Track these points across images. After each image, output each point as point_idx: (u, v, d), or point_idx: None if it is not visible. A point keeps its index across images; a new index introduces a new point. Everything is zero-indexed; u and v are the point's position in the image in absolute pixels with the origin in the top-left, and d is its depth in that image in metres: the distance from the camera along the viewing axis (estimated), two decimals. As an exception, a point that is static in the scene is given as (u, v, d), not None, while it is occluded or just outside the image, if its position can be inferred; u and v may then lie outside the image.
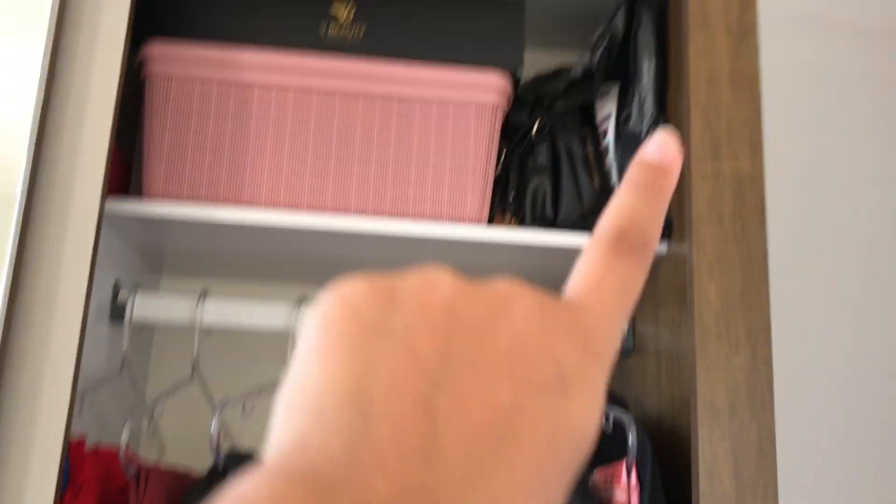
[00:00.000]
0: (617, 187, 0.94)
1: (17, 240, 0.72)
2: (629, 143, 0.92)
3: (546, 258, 0.96)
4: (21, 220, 0.72)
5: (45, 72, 0.75)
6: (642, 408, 0.95)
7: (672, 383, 0.85)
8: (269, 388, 0.92)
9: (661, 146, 0.28)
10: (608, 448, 0.85)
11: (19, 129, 0.73)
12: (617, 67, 0.95)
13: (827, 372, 1.27)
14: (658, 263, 0.92)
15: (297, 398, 0.22)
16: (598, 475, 0.85)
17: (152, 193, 0.88)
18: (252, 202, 0.88)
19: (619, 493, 0.80)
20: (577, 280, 0.25)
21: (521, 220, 0.99)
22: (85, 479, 0.80)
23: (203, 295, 0.93)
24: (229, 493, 0.19)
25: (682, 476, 0.78)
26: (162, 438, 1.06)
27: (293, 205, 0.89)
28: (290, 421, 0.21)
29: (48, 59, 0.76)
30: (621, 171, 0.93)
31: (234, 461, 0.81)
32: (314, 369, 0.22)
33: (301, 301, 0.94)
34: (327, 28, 0.92)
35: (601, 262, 0.25)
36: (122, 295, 0.95)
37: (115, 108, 0.78)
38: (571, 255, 0.91)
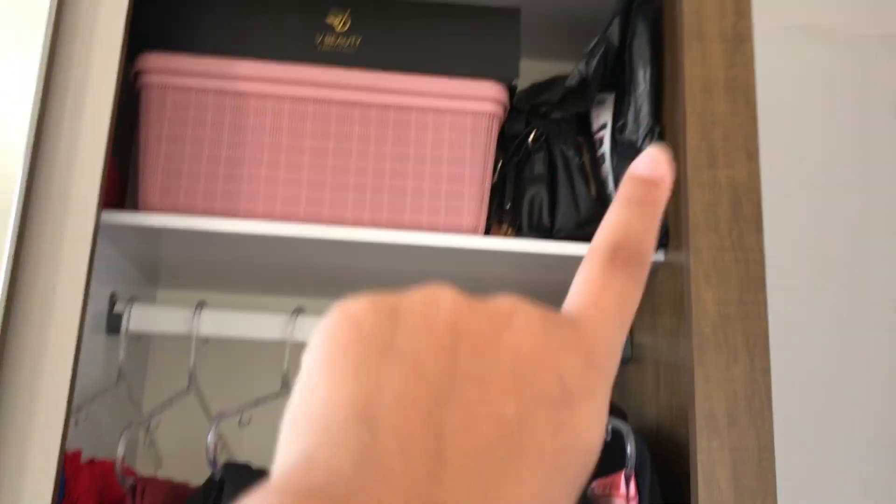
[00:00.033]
0: (614, 196, 0.94)
1: (13, 252, 0.71)
2: (625, 152, 0.92)
3: (543, 268, 0.96)
4: (17, 232, 0.72)
5: (41, 83, 0.75)
6: (641, 417, 0.95)
7: (670, 392, 0.85)
8: (265, 400, 0.92)
9: (652, 160, 0.28)
10: (607, 458, 0.84)
11: (15, 140, 0.73)
12: (612, 76, 0.95)
13: (825, 380, 1.27)
14: (655, 272, 0.92)
15: (303, 415, 0.22)
16: (596, 485, 0.84)
17: (148, 205, 0.88)
18: (248, 213, 0.88)
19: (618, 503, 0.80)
20: (576, 295, 0.26)
21: (517, 230, 0.99)
22: (81, 493, 0.79)
23: (199, 306, 0.93)
24: None
25: (681, 485, 0.78)
26: (158, 450, 1.05)
27: (289, 215, 0.89)
28: (296, 438, 0.22)
29: (44, 70, 0.76)
30: (617, 179, 0.93)
31: (231, 473, 0.81)
32: (320, 386, 0.22)
33: (298, 312, 0.93)
34: (323, 38, 0.92)
35: (599, 276, 0.26)
36: (118, 306, 0.94)
37: (111, 119, 0.77)
38: (569, 264, 0.91)
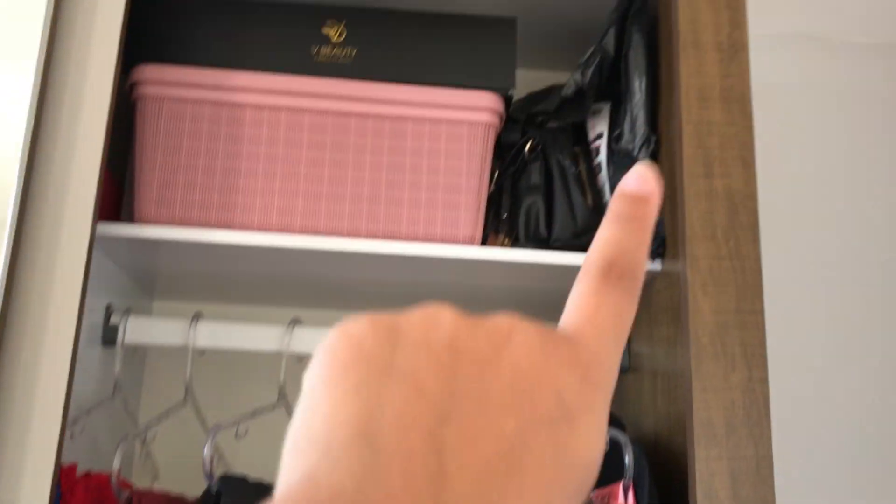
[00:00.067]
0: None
1: (8, 263, 0.71)
2: (622, 161, 0.92)
3: (540, 278, 0.96)
4: (12, 243, 0.72)
5: (37, 94, 0.75)
6: (639, 426, 0.94)
7: (668, 402, 0.85)
8: (262, 411, 0.92)
9: (639, 177, 0.29)
10: (605, 468, 0.84)
11: (11, 151, 0.73)
12: (608, 86, 0.95)
13: (822, 389, 1.27)
14: (652, 281, 0.92)
15: (305, 435, 0.22)
16: (595, 496, 0.84)
17: (144, 216, 0.87)
18: (244, 224, 0.88)
19: (617, 514, 0.80)
20: (572, 312, 0.26)
21: (514, 240, 0.99)
22: (76, 506, 0.79)
23: (196, 318, 0.93)
24: None
25: (680, 495, 0.78)
26: (155, 463, 1.05)
27: (285, 226, 0.89)
28: (298, 457, 0.22)
29: (39, 81, 0.76)
30: (614, 189, 0.93)
31: (227, 485, 0.80)
32: (321, 407, 0.22)
33: (294, 323, 0.93)
34: (319, 49, 0.92)
35: (593, 293, 0.26)
36: (114, 318, 0.94)
37: (107, 131, 0.77)
38: (566, 273, 0.91)
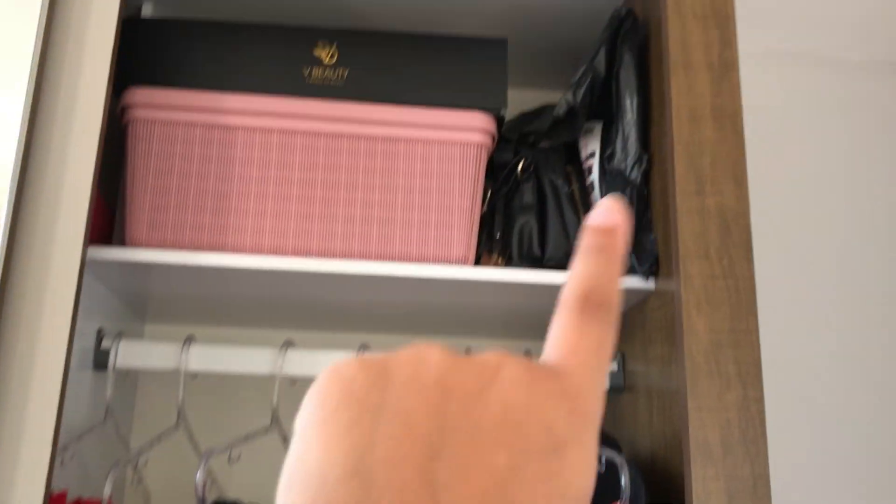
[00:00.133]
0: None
1: (-3, 289, 0.71)
2: (614, 180, 0.92)
3: (534, 297, 0.95)
4: (2, 267, 0.71)
5: (27, 118, 0.75)
6: (635, 447, 0.94)
7: (664, 421, 0.84)
8: (254, 435, 0.91)
9: (606, 210, 0.30)
10: (601, 489, 0.84)
11: (0, 175, 0.72)
12: (600, 105, 0.95)
13: (818, 407, 1.26)
14: (646, 300, 0.91)
15: (299, 474, 0.22)
16: (591, 517, 0.83)
17: (135, 239, 0.87)
18: (236, 246, 0.88)
19: (614, 536, 0.79)
20: (555, 346, 0.27)
21: (508, 259, 0.99)
22: (67, 533, 0.78)
23: (188, 341, 0.92)
24: None
25: (677, 516, 0.77)
26: (147, 488, 1.04)
27: (278, 248, 0.88)
28: (293, 495, 0.22)
29: (30, 105, 0.75)
30: (607, 208, 0.93)
31: (220, 511, 0.80)
32: (314, 446, 0.23)
33: (287, 345, 0.93)
34: (311, 71, 0.92)
35: (573, 326, 0.27)
36: (105, 342, 0.93)
37: (98, 154, 0.77)
38: (560, 293, 0.90)
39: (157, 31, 0.93)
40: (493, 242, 1.00)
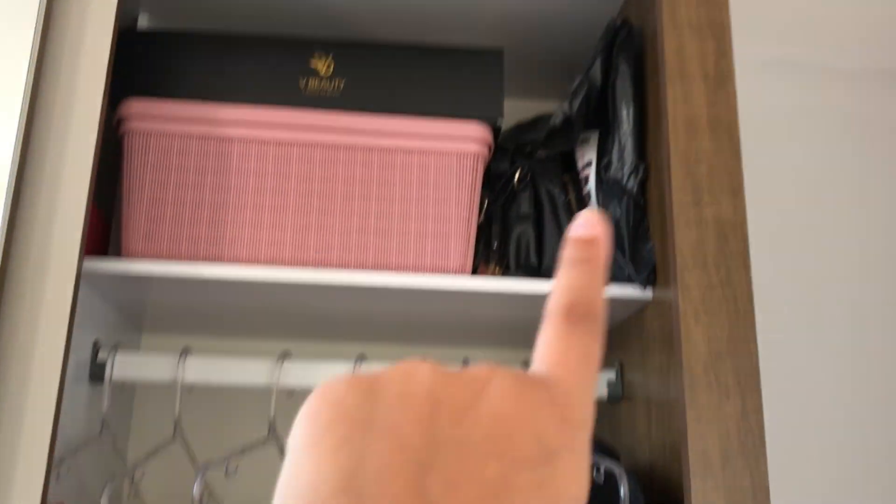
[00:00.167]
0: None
1: (-8, 302, 0.70)
2: (611, 190, 0.92)
3: (532, 306, 0.95)
4: (-3, 281, 0.71)
5: (23, 129, 0.75)
6: (633, 456, 0.93)
7: (663, 431, 0.84)
8: (252, 447, 0.91)
9: (586, 222, 0.30)
10: (601, 500, 0.83)
11: (-5, 189, 0.72)
12: (596, 115, 0.95)
13: (817, 417, 1.26)
14: (644, 310, 0.91)
15: (292, 491, 0.23)
16: (590, 528, 0.83)
17: (132, 251, 0.87)
18: (233, 257, 0.88)
19: (613, 547, 0.79)
20: (543, 358, 0.27)
21: (505, 269, 0.99)
22: (62, 548, 0.77)
23: (184, 353, 0.92)
24: None
25: (676, 527, 0.77)
26: (144, 502, 1.03)
27: (275, 259, 0.88)
28: None
29: (25, 116, 0.75)
30: (604, 217, 0.93)
31: (217, 524, 0.79)
32: (306, 464, 0.23)
33: (284, 356, 0.92)
34: (307, 82, 0.92)
35: (560, 337, 0.27)
36: (101, 355, 0.93)
37: (93, 166, 0.77)
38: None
39: (153, 42, 0.93)
40: (491, 252, 1.00)
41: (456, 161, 0.92)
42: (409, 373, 0.25)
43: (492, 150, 0.96)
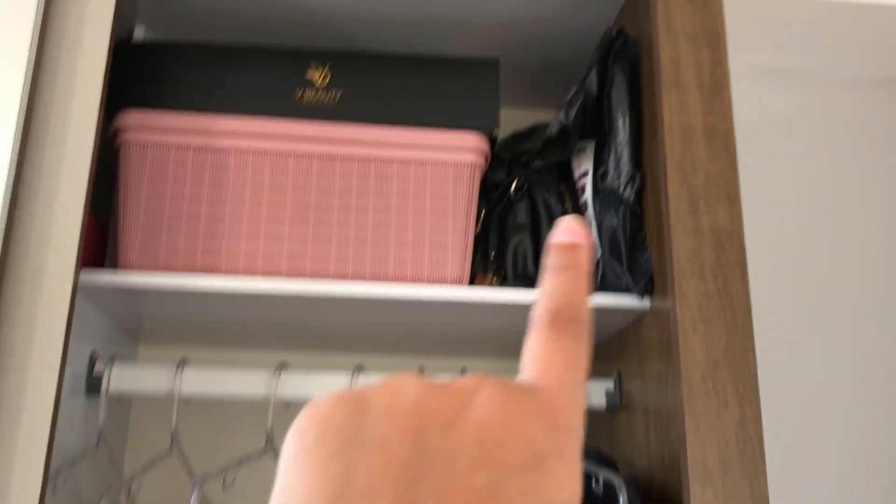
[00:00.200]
0: (597, 243, 0.94)
1: (-12, 315, 0.70)
2: (607, 199, 0.92)
3: (529, 316, 0.95)
4: (-8, 294, 0.71)
5: (19, 141, 0.75)
6: (632, 466, 0.93)
7: (662, 441, 0.84)
8: (249, 459, 0.90)
9: (566, 228, 0.31)
10: (599, 510, 0.83)
11: (-9, 201, 0.72)
12: (592, 125, 0.95)
13: (816, 425, 1.26)
14: (642, 319, 0.91)
15: None
16: (589, 539, 0.83)
17: (128, 263, 0.87)
18: (229, 269, 0.87)
19: (612, 557, 0.78)
20: (529, 364, 0.27)
21: (502, 279, 0.99)
22: (59, 562, 0.77)
23: (181, 364, 0.91)
24: None
25: (676, 537, 0.77)
26: (140, 514, 1.03)
27: (271, 271, 0.88)
28: None
29: (21, 128, 0.75)
30: (600, 227, 0.93)
31: (214, 537, 0.79)
32: (296, 481, 0.23)
33: (281, 368, 0.92)
34: (303, 93, 0.92)
35: (546, 343, 0.27)
36: (98, 367, 0.93)
37: (89, 177, 0.77)
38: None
39: (150, 54, 0.93)
40: (488, 262, 1.00)
41: (452, 171, 0.92)
42: (396, 387, 0.25)
43: (488, 160, 0.96)
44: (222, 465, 0.89)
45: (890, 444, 1.26)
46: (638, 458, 0.91)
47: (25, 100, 0.76)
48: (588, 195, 0.96)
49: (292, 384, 0.91)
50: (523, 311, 0.92)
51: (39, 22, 0.78)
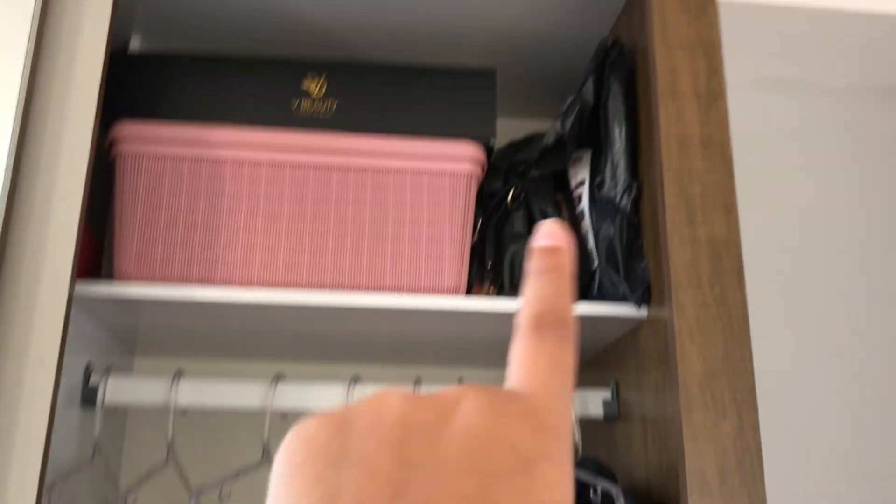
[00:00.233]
0: (594, 253, 0.94)
1: (-18, 326, 0.70)
2: (604, 208, 0.92)
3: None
4: (-13, 305, 0.70)
5: (14, 152, 0.75)
6: (630, 476, 0.93)
7: (659, 450, 0.83)
8: (246, 471, 0.90)
9: (547, 232, 0.31)
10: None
11: (-14, 213, 0.72)
12: (589, 134, 0.95)
13: (814, 434, 1.26)
14: (639, 328, 0.91)
15: None
16: (587, 549, 0.82)
17: (124, 274, 0.86)
18: (226, 279, 0.87)
19: (611, 568, 0.78)
20: (514, 370, 0.27)
21: (499, 288, 0.99)
22: (53, 575, 0.76)
23: (177, 376, 0.91)
24: None
25: (674, 548, 0.76)
26: (136, 526, 1.02)
27: (268, 281, 0.88)
28: None
29: (16, 139, 0.75)
30: (597, 236, 0.93)
31: (210, 549, 0.78)
32: (284, 503, 0.23)
33: (277, 379, 0.92)
34: (299, 103, 0.92)
35: (530, 347, 0.27)
36: (93, 378, 0.92)
37: (85, 188, 0.77)
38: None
39: (146, 65, 0.93)
40: (485, 272, 1.00)
41: (449, 181, 0.92)
42: (379, 402, 0.25)
43: (485, 170, 0.96)
44: (219, 477, 0.88)
45: (889, 453, 1.26)
46: (636, 467, 0.91)
47: (21, 110, 0.76)
48: (585, 204, 0.96)
49: (289, 395, 0.91)
50: (520, 320, 0.92)
51: (35, 32, 0.78)
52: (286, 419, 0.92)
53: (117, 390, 0.91)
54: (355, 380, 0.93)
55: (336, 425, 0.25)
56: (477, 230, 0.99)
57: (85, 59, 0.80)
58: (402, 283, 0.89)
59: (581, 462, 0.91)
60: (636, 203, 0.91)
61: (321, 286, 0.88)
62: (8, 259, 0.73)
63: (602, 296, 0.91)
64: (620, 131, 0.91)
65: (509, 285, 0.98)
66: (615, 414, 0.98)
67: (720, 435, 0.75)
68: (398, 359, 1.15)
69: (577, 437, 0.93)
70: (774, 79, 1.41)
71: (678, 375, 0.77)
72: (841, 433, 1.26)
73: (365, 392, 0.90)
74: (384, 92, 0.93)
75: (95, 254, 0.99)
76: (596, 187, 0.94)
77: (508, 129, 1.12)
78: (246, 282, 0.87)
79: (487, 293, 0.99)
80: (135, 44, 1.07)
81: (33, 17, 0.78)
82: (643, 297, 0.87)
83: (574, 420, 0.93)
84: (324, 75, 0.93)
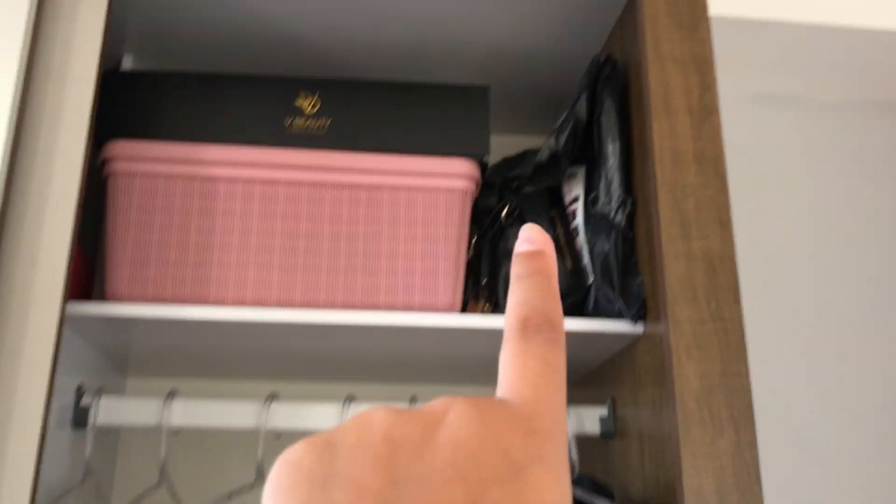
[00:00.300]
0: (589, 268, 0.94)
1: (-28, 347, 0.69)
2: (599, 224, 0.92)
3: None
4: (-23, 326, 0.70)
5: (5, 171, 0.74)
6: (627, 493, 0.92)
7: (657, 467, 0.83)
8: (239, 492, 0.89)
9: (527, 237, 0.31)
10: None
11: (-23, 233, 0.71)
12: (582, 150, 0.95)
13: (811, 449, 1.25)
14: (635, 344, 0.91)
15: None
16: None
17: (116, 294, 0.86)
18: (219, 299, 0.87)
19: (609, 588, 0.77)
20: (504, 376, 0.27)
21: (494, 306, 0.98)
22: None
23: (170, 396, 0.90)
24: None
25: (673, 566, 0.75)
26: (128, 549, 1.01)
27: (261, 300, 0.87)
28: None
29: (8, 157, 0.75)
30: (592, 252, 0.93)
31: (203, 572, 0.77)
32: None
33: (271, 398, 0.91)
34: (293, 121, 0.92)
35: (517, 353, 0.27)
36: (85, 399, 0.91)
37: (77, 208, 0.76)
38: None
39: (138, 83, 0.93)
40: (480, 289, 0.99)
41: (443, 198, 0.92)
42: (364, 420, 0.25)
43: (479, 186, 0.96)
44: (212, 498, 0.87)
45: (887, 469, 1.25)
46: (633, 484, 0.90)
47: (13, 129, 0.75)
48: (579, 220, 0.96)
49: (283, 415, 0.90)
50: (516, 337, 0.91)
51: (27, 51, 0.78)
52: (280, 439, 0.92)
53: (109, 411, 0.90)
54: (350, 398, 0.92)
55: (322, 447, 0.25)
56: (471, 247, 0.99)
57: (77, 78, 0.80)
58: (396, 300, 0.88)
59: (578, 480, 0.90)
60: (631, 219, 0.91)
61: (315, 304, 0.87)
62: (0, 279, 0.73)
63: (598, 312, 0.91)
64: (614, 147, 0.91)
65: (504, 302, 0.98)
66: (612, 431, 0.98)
67: (718, 451, 0.74)
68: (393, 377, 1.14)
69: (574, 454, 0.93)
70: (767, 94, 1.41)
71: (675, 391, 0.76)
72: (839, 449, 1.25)
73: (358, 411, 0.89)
74: (377, 109, 0.93)
75: (87, 273, 0.98)
76: (590, 203, 0.94)
77: (502, 146, 1.12)
78: (239, 301, 0.87)
79: (482, 310, 0.98)
80: (127, 63, 1.07)
81: (25, 36, 0.78)
82: (639, 312, 0.87)
83: (571, 436, 0.92)
84: (317, 93, 0.93)
